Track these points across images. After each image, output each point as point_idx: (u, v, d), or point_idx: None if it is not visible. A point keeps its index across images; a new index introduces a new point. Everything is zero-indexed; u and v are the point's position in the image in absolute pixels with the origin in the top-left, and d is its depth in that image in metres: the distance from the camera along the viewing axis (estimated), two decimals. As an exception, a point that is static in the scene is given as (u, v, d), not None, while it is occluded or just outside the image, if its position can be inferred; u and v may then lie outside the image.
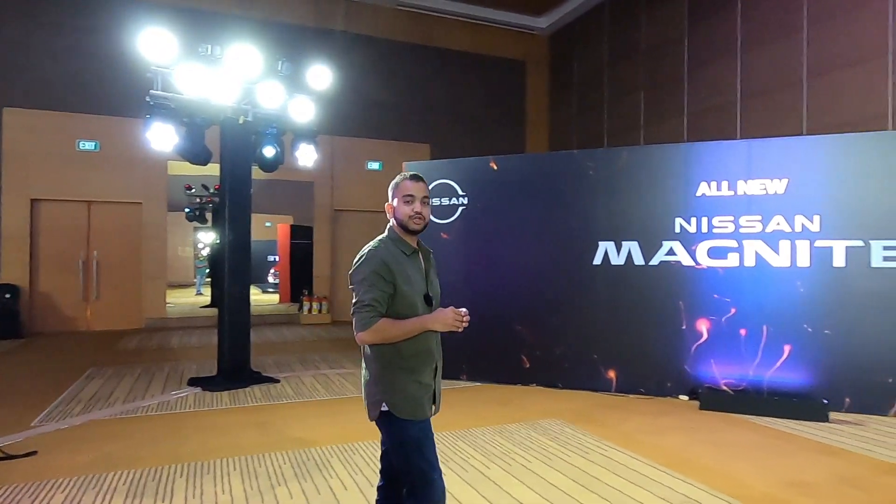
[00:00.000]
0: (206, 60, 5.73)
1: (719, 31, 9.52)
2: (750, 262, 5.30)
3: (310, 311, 11.64)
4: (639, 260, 5.67)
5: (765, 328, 5.23)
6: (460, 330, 2.07)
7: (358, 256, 2.15)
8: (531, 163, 6.36)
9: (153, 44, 5.44)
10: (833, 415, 4.86)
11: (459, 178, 6.38)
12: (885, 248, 4.91)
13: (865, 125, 7.29)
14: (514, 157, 6.37)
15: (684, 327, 5.51)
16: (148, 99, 5.67)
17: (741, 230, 5.33)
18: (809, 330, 5.09)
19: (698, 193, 5.48)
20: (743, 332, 5.30)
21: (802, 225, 5.14)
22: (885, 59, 7.23)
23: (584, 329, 5.88)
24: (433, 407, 2.22)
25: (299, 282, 13.58)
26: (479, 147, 12.48)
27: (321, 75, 6.49)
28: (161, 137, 5.67)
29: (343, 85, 11.44)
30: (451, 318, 2.06)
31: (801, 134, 8.05)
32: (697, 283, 5.48)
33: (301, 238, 14.39)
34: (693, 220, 5.49)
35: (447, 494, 2.18)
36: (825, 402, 4.86)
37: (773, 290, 5.21)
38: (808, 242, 5.12)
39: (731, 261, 5.36)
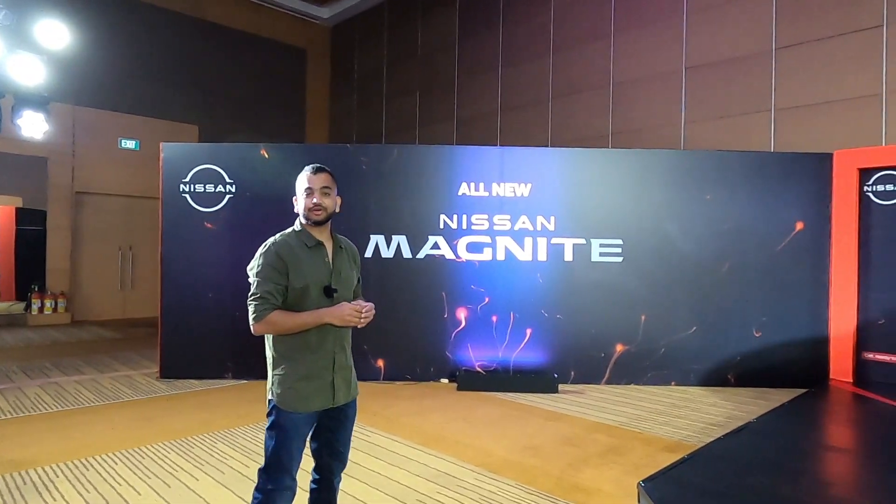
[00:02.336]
0: None
1: (484, 48, 10.48)
2: (501, 256, 5.95)
3: (41, 310, 9.85)
4: (407, 253, 5.97)
5: (512, 315, 5.92)
6: (360, 325, 2.14)
7: (259, 250, 2.18)
8: (304, 153, 6.25)
9: None
10: (562, 386, 5.72)
11: (227, 165, 5.99)
12: (602, 245, 5.93)
13: (592, 142, 8.71)
14: (286, 146, 6.20)
15: (446, 316, 5.96)
16: None
17: (495, 227, 5.96)
18: (545, 315, 5.91)
19: (459, 193, 5.97)
20: (494, 318, 5.94)
21: (542, 224, 5.93)
22: (607, 89, 8.71)
23: (355, 320, 5.98)
24: (331, 399, 2.20)
25: (27, 276, 11.39)
26: (256, 134, 11.87)
27: (55, 32, 5.52)
28: None
29: (92, 49, 9.95)
30: (348, 312, 2.11)
31: (546, 146, 9.27)
32: (458, 275, 5.97)
33: (30, 224, 12.06)
34: (455, 217, 5.97)
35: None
36: (555, 376, 5.70)
37: (518, 281, 5.93)
38: (546, 240, 5.94)
39: (486, 255, 5.96)
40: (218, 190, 5.97)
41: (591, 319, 5.91)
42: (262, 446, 3.94)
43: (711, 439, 4.06)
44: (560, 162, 6.05)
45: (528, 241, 5.94)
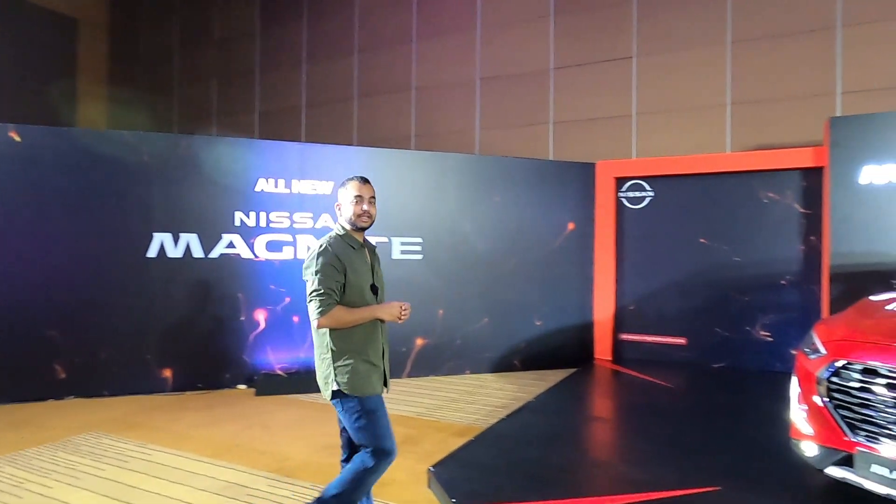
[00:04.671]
0: None
1: (288, 39, 10.14)
2: (303, 254, 5.81)
3: None
4: (198, 252, 5.53)
5: (314, 314, 5.82)
6: (401, 321, 2.42)
7: (311, 251, 2.43)
8: (69, 139, 5.41)
9: None
10: (364, 383, 5.78)
11: (-39, 147, 4.96)
12: (402, 243, 6.13)
13: (397, 143, 8.95)
14: (44, 128, 5.29)
15: (243, 318, 5.65)
16: None
17: (295, 225, 5.81)
18: (348, 313, 5.92)
19: (257, 189, 5.70)
20: (296, 318, 5.78)
21: (344, 222, 5.93)
22: (410, 92, 9.01)
23: (136, 328, 5.39)
24: (385, 385, 2.52)
25: None
26: (12, 114, 10.00)
27: None
28: None
29: None
30: (397, 310, 2.41)
31: (353, 144, 9.29)
32: (256, 274, 5.70)
33: None
34: (252, 214, 5.68)
35: None
36: (358, 373, 5.75)
37: (321, 280, 5.85)
38: (348, 238, 5.94)
39: (287, 253, 5.78)
40: (-52, 178, 4.92)
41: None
42: (7, 483, 3.36)
43: (496, 420, 4.45)
44: (362, 161, 6.11)
45: (330, 239, 5.88)
